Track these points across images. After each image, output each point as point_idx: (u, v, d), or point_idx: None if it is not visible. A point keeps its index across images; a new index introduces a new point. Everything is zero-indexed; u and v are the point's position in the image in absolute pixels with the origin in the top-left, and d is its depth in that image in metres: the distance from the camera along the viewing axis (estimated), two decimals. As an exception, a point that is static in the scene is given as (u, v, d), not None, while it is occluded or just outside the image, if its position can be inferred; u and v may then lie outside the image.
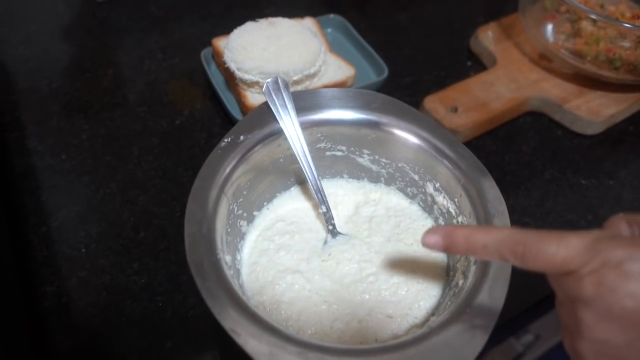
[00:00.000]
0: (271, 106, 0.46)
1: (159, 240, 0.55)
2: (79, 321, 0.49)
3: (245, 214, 0.48)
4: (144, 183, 0.60)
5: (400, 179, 0.52)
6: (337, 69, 0.68)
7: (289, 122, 0.46)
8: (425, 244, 0.34)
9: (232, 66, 0.63)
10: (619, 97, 0.69)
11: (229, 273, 0.39)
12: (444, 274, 0.47)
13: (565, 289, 0.29)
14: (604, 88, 0.70)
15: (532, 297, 0.52)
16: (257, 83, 0.63)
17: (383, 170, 0.52)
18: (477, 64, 0.77)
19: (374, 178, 0.54)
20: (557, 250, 0.28)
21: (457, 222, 0.46)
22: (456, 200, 0.46)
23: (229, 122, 0.66)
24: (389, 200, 0.53)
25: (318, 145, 0.50)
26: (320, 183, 0.48)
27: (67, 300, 0.50)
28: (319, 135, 0.50)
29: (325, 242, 0.49)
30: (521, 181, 0.63)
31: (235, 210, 0.46)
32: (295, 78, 0.63)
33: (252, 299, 0.44)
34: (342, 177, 0.54)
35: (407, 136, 0.48)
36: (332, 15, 0.77)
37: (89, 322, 0.49)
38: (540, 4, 0.74)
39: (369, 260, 0.47)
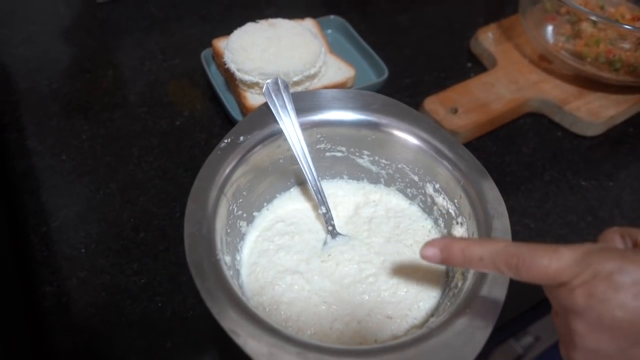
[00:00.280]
0: (271, 107, 0.47)
1: (158, 240, 0.55)
2: (78, 321, 0.49)
3: (245, 215, 0.48)
4: (144, 183, 0.60)
5: (400, 180, 0.52)
6: (337, 70, 0.68)
7: (288, 123, 0.46)
8: (423, 257, 0.35)
9: (232, 67, 0.63)
10: (619, 98, 0.70)
11: (229, 273, 0.39)
12: (444, 275, 0.47)
13: (559, 300, 0.30)
14: (604, 89, 0.70)
15: (532, 299, 0.52)
16: (257, 84, 0.63)
17: (383, 171, 0.52)
18: (477, 65, 0.77)
19: (374, 179, 0.54)
20: (549, 262, 0.29)
21: (457, 222, 0.46)
22: (456, 201, 0.46)
23: (229, 122, 0.66)
24: (389, 201, 0.53)
25: (318, 146, 0.50)
26: (320, 184, 0.48)
27: (67, 300, 0.50)
28: (318, 136, 0.50)
29: (325, 242, 0.49)
30: (521, 182, 0.63)
31: (235, 210, 0.46)
32: (295, 79, 0.63)
33: (251, 299, 0.44)
34: (341, 178, 0.54)
35: (407, 137, 0.48)
36: (332, 16, 0.77)
37: (88, 322, 0.49)
38: (540, 6, 0.74)
39: (368, 261, 0.47)
